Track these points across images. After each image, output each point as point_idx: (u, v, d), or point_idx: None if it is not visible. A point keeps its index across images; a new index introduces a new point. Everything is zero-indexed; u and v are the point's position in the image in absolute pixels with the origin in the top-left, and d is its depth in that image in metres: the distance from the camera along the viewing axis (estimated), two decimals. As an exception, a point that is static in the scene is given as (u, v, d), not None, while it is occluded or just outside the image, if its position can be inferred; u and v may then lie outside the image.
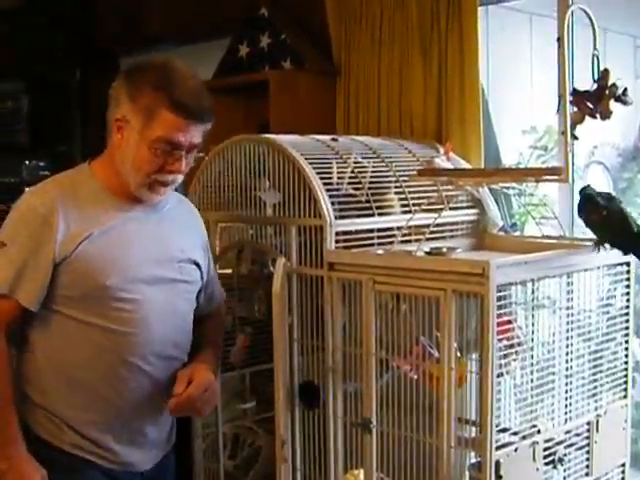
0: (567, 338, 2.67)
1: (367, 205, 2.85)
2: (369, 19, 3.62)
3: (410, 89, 3.49)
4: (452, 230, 3.05)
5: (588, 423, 2.69)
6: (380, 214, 2.83)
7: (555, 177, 2.54)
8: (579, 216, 2.72)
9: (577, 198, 2.75)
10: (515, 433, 2.49)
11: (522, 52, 4.25)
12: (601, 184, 4.40)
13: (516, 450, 2.41)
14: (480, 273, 2.26)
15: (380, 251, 2.70)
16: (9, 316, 2.27)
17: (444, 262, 2.41)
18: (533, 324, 2.68)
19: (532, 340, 2.66)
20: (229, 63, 4.04)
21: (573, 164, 3.34)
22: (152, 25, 4.72)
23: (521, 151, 3.54)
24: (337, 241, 2.72)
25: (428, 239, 2.76)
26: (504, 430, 2.50)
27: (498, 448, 2.36)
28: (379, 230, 2.80)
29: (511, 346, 2.54)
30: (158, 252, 2.39)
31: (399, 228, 2.77)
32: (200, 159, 2.48)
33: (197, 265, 2.51)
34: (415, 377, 2.54)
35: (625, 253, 2.65)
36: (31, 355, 2.35)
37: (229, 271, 3.16)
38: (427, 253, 2.70)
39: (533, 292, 2.65)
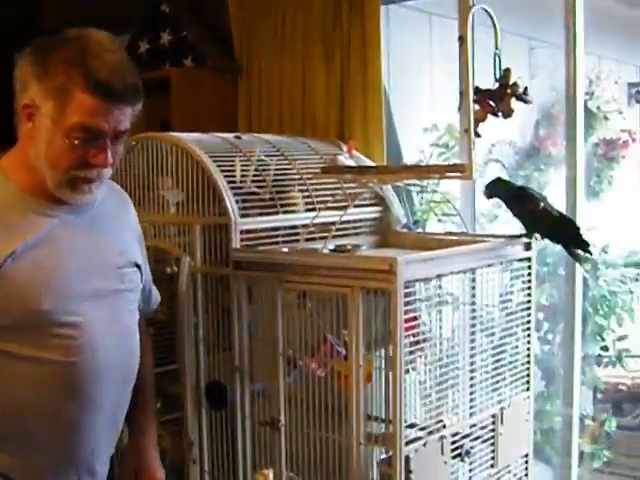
0: (471, 333, 2.71)
1: (271, 203, 2.84)
2: (271, 17, 3.61)
3: (312, 88, 3.49)
4: (356, 228, 3.06)
5: (493, 416, 2.72)
6: (284, 212, 2.82)
7: (459, 174, 2.57)
8: (508, 207, 2.79)
9: (482, 194, 2.83)
10: (422, 428, 2.51)
11: (422, 51, 4.30)
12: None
13: (425, 445, 2.42)
14: (387, 270, 2.27)
15: (285, 249, 2.69)
16: None
17: (351, 259, 2.42)
18: (436, 319, 2.70)
19: (436, 336, 2.68)
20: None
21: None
22: (49, 21, 4.61)
23: (422, 149, 3.57)
24: (242, 239, 2.70)
25: (333, 237, 2.77)
26: (412, 425, 2.52)
27: (407, 443, 2.37)
28: (284, 228, 2.79)
29: (417, 342, 2.56)
30: (96, 260, 2.00)
31: (304, 226, 2.77)
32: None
33: (137, 267, 2.14)
34: (322, 375, 2.54)
35: (558, 242, 2.80)
36: None
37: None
38: (332, 251, 2.70)
39: (440, 288, 2.68)
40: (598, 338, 4.41)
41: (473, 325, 2.71)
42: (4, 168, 1.96)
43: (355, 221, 3.05)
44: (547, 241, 2.90)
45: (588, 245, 2.78)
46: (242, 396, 2.68)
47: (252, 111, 3.70)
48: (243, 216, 2.72)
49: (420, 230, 3.40)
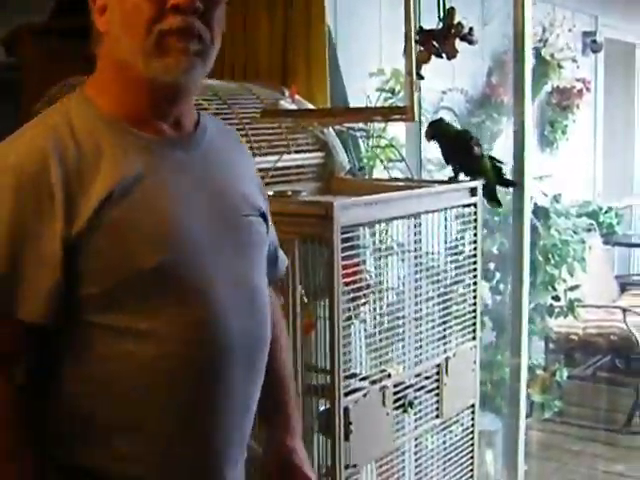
0: (415, 281, 2.63)
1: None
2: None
3: (254, 30, 3.36)
4: (298, 174, 2.96)
5: (437, 365, 2.66)
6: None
7: (402, 116, 2.48)
8: (442, 150, 2.77)
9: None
10: (364, 378, 2.44)
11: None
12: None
13: (365, 395, 2.35)
14: (323, 214, 2.18)
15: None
16: (12, 345, 1.45)
17: (285, 204, 2.31)
18: (381, 267, 2.63)
19: (380, 284, 2.61)
20: (62, 4, 3.79)
21: (420, 105, 3.31)
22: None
23: (368, 94, 3.47)
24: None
25: (272, 183, 2.68)
26: (353, 375, 2.43)
27: (347, 394, 2.30)
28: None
29: (359, 289, 2.49)
30: (215, 206, 1.58)
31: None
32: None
33: (263, 217, 1.72)
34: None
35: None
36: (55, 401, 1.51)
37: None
38: (270, 197, 2.61)
39: (381, 235, 2.60)
40: (549, 288, 4.39)
41: (418, 273, 2.63)
42: (89, 95, 1.54)
43: (296, 167, 2.95)
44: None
45: (513, 183, 2.83)
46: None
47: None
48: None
49: (365, 176, 3.31)
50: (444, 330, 2.70)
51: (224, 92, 2.91)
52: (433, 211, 2.62)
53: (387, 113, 2.51)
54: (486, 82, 5.01)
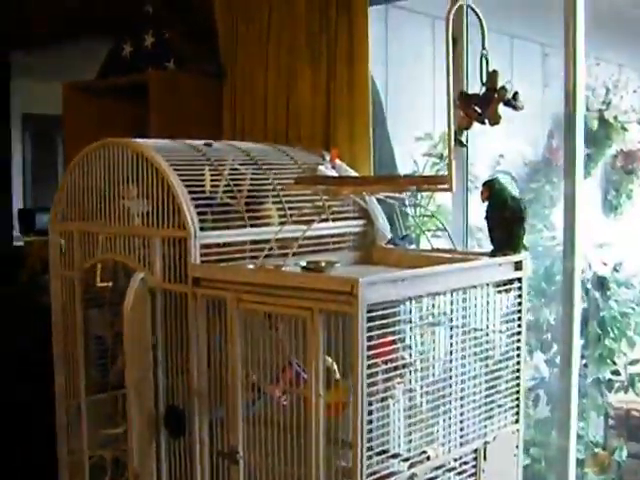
0: (452, 360, 2.48)
1: (242, 215, 2.64)
2: (257, 19, 3.42)
3: (298, 93, 3.29)
4: (337, 243, 2.86)
5: (475, 451, 2.49)
6: (254, 225, 2.61)
7: (439, 186, 2.35)
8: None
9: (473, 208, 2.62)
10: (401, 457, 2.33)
11: (425, 56, 4.09)
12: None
13: (391, 482, 2.20)
14: (348, 291, 2.05)
15: (252, 265, 2.48)
16: None
17: (310, 279, 2.19)
18: (423, 344, 2.48)
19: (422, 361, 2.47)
20: (113, 63, 3.78)
21: (467, 172, 3.19)
22: (40, 24, 4.46)
23: (415, 159, 3.35)
24: (208, 254, 2.50)
25: (309, 252, 2.58)
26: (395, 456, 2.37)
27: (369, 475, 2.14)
28: (253, 243, 2.58)
29: (395, 368, 2.35)
30: None
31: (277, 240, 2.56)
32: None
33: None
34: (285, 403, 2.33)
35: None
36: None
37: (106, 284, 2.93)
38: (303, 268, 2.50)
39: (433, 307, 2.46)
40: (609, 362, 4.17)
41: (458, 350, 2.48)
42: None
43: (334, 235, 2.85)
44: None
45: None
46: (201, 423, 2.47)
47: (237, 116, 3.50)
48: (211, 229, 2.52)
49: (413, 246, 3.18)
50: (485, 412, 2.53)
51: (260, 156, 2.83)
52: (472, 287, 2.48)
53: (424, 182, 2.37)
54: (546, 145, 4.84)
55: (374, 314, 2.13)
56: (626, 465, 4.44)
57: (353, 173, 3.01)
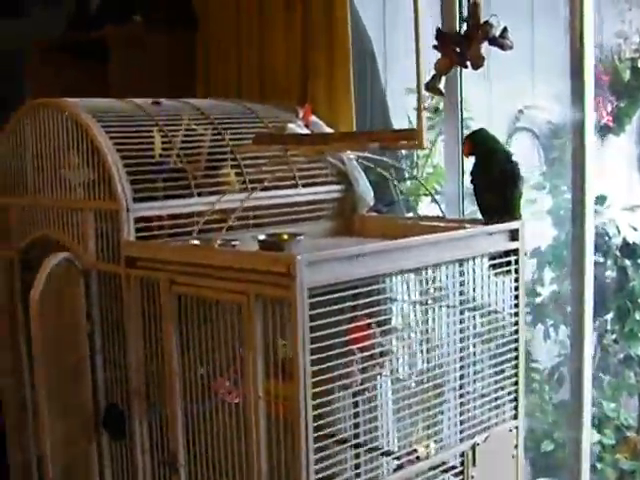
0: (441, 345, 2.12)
1: (198, 182, 2.30)
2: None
3: (272, 44, 2.91)
4: (310, 211, 2.50)
5: (462, 455, 2.13)
6: (201, 194, 2.25)
7: (408, 142, 1.97)
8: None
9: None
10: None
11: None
12: (528, 154, 3.85)
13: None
14: (284, 272, 1.69)
15: (197, 241, 2.13)
16: None
17: (241, 257, 1.81)
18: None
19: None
20: (78, 17, 3.43)
21: (462, 128, 2.82)
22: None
23: (409, 114, 2.97)
24: (149, 229, 2.16)
25: (274, 223, 2.23)
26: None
27: None
28: (199, 215, 2.22)
29: (371, 357, 2.00)
30: None
31: (231, 211, 2.19)
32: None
33: None
34: (236, 402, 1.99)
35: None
36: None
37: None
38: (261, 242, 2.14)
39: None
40: (640, 337, 3.79)
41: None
42: None
43: (310, 203, 2.49)
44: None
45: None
46: (141, 425, 2.13)
47: (209, 72, 3.13)
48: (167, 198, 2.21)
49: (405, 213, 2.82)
50: (469, 410, 2.16)
51: (217, 115, 2.47)
52: (454, 261, 2.10)
53: (391, 138, 1.98)
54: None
55: (345, 294, 1.78)
56: (662, 450, 4.08)
57: (329, 130, 2.64)
